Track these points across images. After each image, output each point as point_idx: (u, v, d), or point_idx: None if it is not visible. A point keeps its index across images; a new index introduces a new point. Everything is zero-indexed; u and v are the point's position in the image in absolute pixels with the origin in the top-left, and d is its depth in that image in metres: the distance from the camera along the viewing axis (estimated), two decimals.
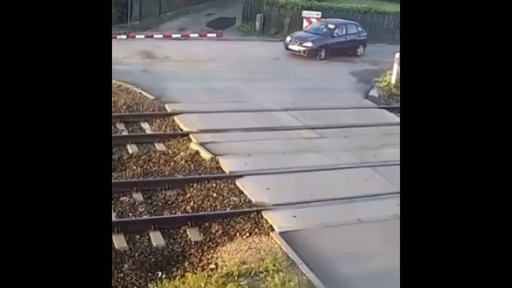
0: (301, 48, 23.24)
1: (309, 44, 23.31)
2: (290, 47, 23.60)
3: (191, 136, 13.84)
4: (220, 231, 9.93)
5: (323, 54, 23.29)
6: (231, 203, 10.89)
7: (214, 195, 11.12)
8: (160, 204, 10.85)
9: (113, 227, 9.41)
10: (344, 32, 24.41)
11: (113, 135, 13.11)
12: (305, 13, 27.20)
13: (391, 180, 11.66)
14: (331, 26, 24.57)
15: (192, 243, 9.68)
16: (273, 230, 9.91)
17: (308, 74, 20.83)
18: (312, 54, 23.09)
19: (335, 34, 24.13)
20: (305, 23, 26.95)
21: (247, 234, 9.83)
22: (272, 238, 9.62)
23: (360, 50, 24.70)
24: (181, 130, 14.38)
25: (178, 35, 25.29)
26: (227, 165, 12.33)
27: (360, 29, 25.17)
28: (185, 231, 9.97)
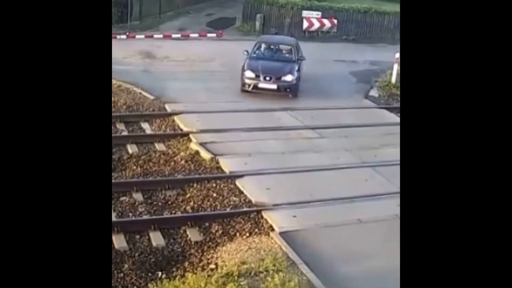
0: (281, 85, 17.09)
1: (290, 77, 17.18)
2: (262, 85, 17.04)
3: (191, 136, 13.85)
4: (220, 231, 9.93)
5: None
6: (231, 203, 10.89)
7: (214, 195, 11.12)
8: (160, 204, 10.85)
9: (113, 227, 9.41)
10: (297, 53, 18.46)
11: (113, 135, 13.12)
12: (305, 13, 27.21)
13: (391, 180, 11.66)
14: (286, 47, 18.67)
15: (192, 243, 9.68)
16: (273, 230, 9.91)
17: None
18: (294, 91, 17.34)
19: (299, 58, 18.25)
20: (305, 23, 26.95)
21: (247, 234, 9.83)
22: (272, 238, 9.62)
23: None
24: (181, 130, 14.39)
25: (178, 35, 25.28)
26: (227, 165, 12.33)
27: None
28: (185, 231, 9.97)
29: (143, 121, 14.95)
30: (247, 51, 18.10)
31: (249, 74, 17.17)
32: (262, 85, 17.05)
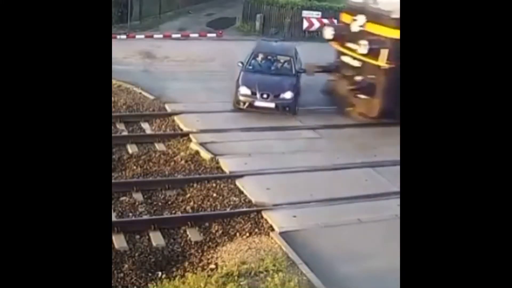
0: (279, 103, 15.46)
1: (289, 95, 15.53)
2: (258, 104, 15.43)
3: (191, 136, 13.85)
4: (220, 231, 9.94)
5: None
6: (231, 203, 10.89)
7: (214, 195, 11.12)
8: (160, 204, 10.86)
9: (113, 227, 9.41)
10: (296, 64, 16.81)
11: (113, 135, 13.12)
12: (305, 13, 27.20)
13: (391, 180, 11.66)
14: (285, 58, 16.92)
15: (192, 243, 9.68)
16: (273, 230, 9.91)
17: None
18: (292, 109, 15.72)
19: (299, 70, 16.62)
20: (305, 23, 26.94)
21: (247, 234, 9.83)
22: (272, 238, 9.62)
23: None
24: (181, 130, 14.39)
25: (178, 35, 25.28)
26: (227, 165, 12.34)
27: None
28: (185, 231, 9.98)
29: (143, 121, 14.95)
30: (242, 63, 16.39)
31: (244, 90, 15.47)
32: (258, 103, 15.43)
